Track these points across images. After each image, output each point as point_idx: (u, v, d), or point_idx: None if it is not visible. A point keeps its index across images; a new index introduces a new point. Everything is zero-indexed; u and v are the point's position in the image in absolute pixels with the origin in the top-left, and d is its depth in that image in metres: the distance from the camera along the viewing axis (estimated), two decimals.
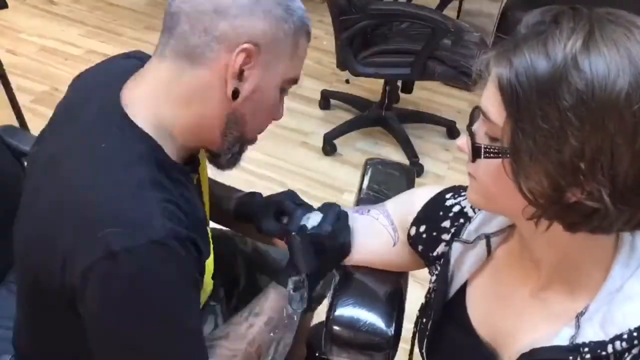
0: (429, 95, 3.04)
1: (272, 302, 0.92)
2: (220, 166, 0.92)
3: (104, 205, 0.73)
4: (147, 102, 0.81)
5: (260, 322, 0.90)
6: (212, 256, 0.94)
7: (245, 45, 0.77)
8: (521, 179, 0.63)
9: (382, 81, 2.63)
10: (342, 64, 2.37)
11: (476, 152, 0.67)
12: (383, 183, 1.20)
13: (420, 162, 2.53)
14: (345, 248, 0.97)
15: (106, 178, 0.75)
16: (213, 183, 1.12)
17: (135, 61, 0.91)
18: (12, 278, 1.21)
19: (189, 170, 0.88)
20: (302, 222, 0.97)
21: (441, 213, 0.91)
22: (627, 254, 0.69)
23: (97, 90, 0.86)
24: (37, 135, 0.95)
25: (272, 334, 0.91)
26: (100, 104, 0.83)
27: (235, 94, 0.80)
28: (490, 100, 0.64)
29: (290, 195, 1.05)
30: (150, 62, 0.83)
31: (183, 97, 0.80)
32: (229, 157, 0.90)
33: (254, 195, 1.10)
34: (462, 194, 0.91)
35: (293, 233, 0.93)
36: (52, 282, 0.76)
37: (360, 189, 1.20)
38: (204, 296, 0.97)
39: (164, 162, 0.80)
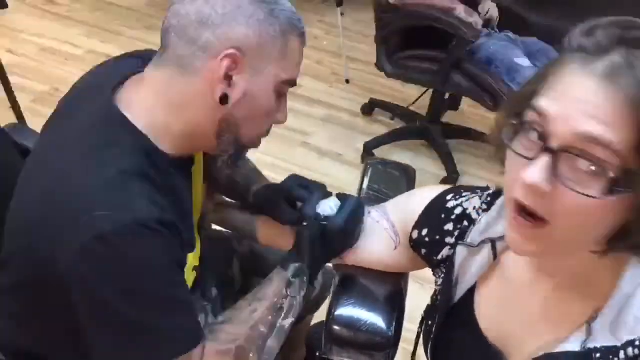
0: (480, 111, 2.83)
1: (275, 287, 0.93)
2: (218, 168, 0.93)
3: (91, 191, 0.77)
4: (142, 106, 0.85)
5: (263, 307, 0.92)
6: (197, 250, 0.97)
7: (229, 51, 0.80)
8: None
9: (423, 92, 2.62)
10: (377, 63, 2.37)
11: (610, 189, 0.56)
12: (383, 183, 1.20)
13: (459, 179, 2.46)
14: (352, 241, 0.98)
15: (94, 168, 0.79)
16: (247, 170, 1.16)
17: (136, 60, 0.93)
18: None
19: (181, 163, 0.90)
20: (317, 210, 0.96)
21: (443, 216, 0.90)
22: (638, 259, 0.69)
23: (94, 91, 0.89)
24: None
25: (275, 314, 0.93)
26: (97, 105, 0.86)
27: (225, 99, 0.83)
28: (608, 120, 0.55)
29: (297, 179, 1.06)
30: (146, 70, 0.87)
31: (175, 104, 0.84)
32: (225, 159, 0.92)
33: (268, 187, 1.11)
34: (464, 194, 0.90)
35: (305, 224, 0.94)
36: (41, 271, 0.79)
37: (361, 189, 1.19)
38: None
39: (154, 155, 0.83)
